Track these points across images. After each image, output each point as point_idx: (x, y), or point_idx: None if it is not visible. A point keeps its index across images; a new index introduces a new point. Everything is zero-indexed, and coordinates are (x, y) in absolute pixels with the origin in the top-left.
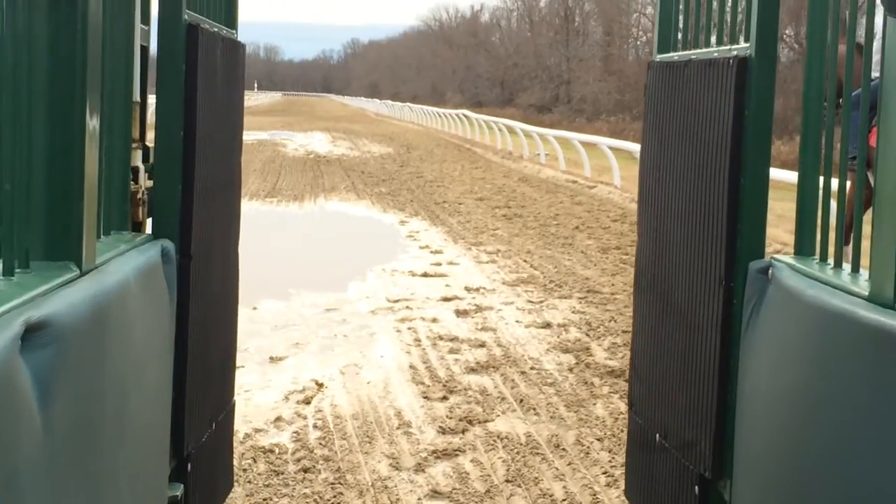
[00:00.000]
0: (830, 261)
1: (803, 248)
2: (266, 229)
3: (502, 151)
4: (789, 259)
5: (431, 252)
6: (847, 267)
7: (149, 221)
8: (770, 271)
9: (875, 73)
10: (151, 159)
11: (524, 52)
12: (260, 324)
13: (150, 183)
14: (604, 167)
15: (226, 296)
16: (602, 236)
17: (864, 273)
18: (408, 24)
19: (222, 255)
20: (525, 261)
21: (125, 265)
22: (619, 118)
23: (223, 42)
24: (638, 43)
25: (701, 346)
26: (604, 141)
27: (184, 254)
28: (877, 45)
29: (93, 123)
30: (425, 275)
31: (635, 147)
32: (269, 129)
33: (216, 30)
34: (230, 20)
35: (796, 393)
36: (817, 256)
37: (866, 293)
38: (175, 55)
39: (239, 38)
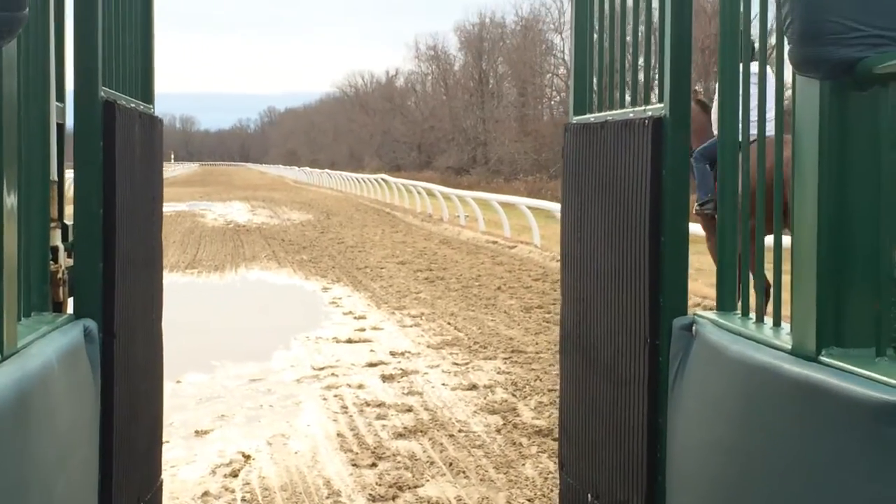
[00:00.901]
0: (752, 315)
1: (725, 303)
2: (187, 301)
3: (422, 214)
4: (712, 315)
5: (355, 318)
6: (768, 321)
7: (70, 300)
8: (694, 327)
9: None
10: (70, 237)
11: (440, 115)
12: (184, 397)
13: (69, 262)
14: (523, 227)
15: (151, 372)
16: (524, 296)
17: (786, 326)
18: (324, 91)
19: (145, 331)
20: (449, 323)
21: (47, 347)
22: (536, 177)
23: (140, 117)
24: (552, 103)
25: (629, 404)
26: (522, 201)
27: (107, 332)
28: (753, 101)
29: (10, 202)
30: (349, 341)
31: (553, 206)
32: (187, 199)
33: (133, 105)
34: (147, 95)
35: (726, 447)
36: (739, 311)
37: (789, 347)
38: (92, 132)
39: (155, 113)
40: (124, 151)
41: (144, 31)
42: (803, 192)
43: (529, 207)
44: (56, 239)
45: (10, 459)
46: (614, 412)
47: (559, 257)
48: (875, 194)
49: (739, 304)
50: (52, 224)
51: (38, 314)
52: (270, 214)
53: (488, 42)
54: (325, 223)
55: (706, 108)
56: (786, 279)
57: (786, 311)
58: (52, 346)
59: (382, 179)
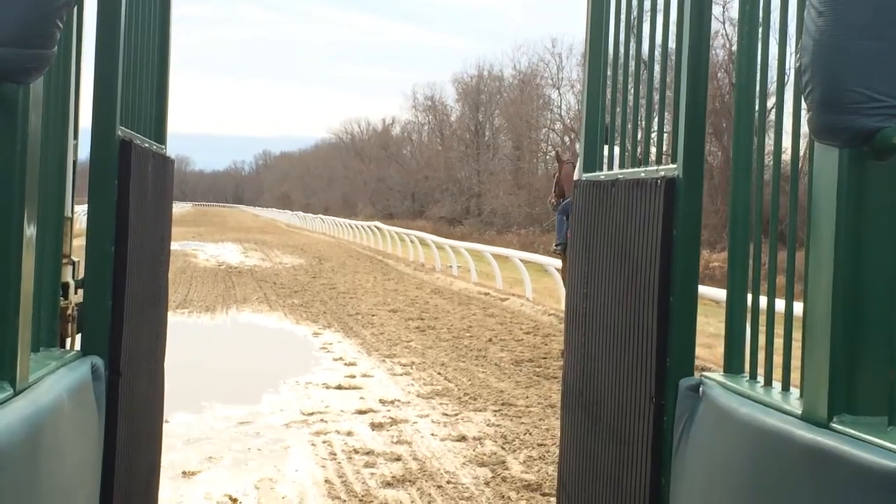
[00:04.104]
0: (760, 378)
1: (733, 365)
2: (177, 341)
3: (414, 263)
4: (719, 376)
5: (345, 364)
6: (777, 385)
7: (77, 336)
8: (701, 389)
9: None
10: (79, 274)
11: (435, 164)
12: (172, 437)
13: (78, 298)
14: (515, 279)
15: (152, 412)
16: (515, 348)
17: (795, 391)
18: (319, 137)
19: (149, 370)
20: (439, 373)
21: (58, 384)
22: (529, 231)
23: (154, 157)
24: (547, 157)
25: (631, 464)
26: (515, 254)
27: (113, 370)
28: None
29: (28, 237)
30: (339, 387)
31: (546, 260)
32: (179, 239)
33: (147, 145)
34: (160, 136)
35: None
36: (747, 374)
37: (799, 411)
38: (108, 170)
39: (168, 153)
40: (138, 190)
41: (160, 72)
42: (818, 257)
43: (522, 260)
44: (67, 275)
45: (20, 494)
46: (616, 471)
47: (562, 312)
48: (891, 262)
49: (747, 367)
50: (64, 260)
51: (47, 350)
52: (262, 257)
53: (485, 94)
54: (318, 268)
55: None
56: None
57: (795, 375)
58: (62, 382)
59: (376, 227)
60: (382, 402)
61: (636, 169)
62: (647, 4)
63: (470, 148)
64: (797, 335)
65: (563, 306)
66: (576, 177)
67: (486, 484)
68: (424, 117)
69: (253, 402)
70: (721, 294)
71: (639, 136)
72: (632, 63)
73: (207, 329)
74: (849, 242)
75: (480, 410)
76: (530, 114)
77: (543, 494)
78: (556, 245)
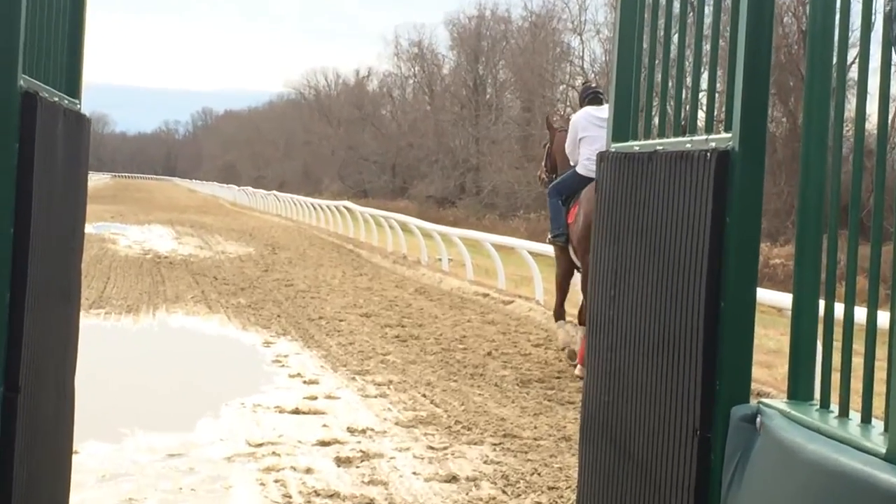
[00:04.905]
0: (834, 407)
1: (799, 389)
2: (91, 349)
3: (394, 255)
4: (782, 404)
5: (304, 382)
6: (856, 416)
7: None
8: (758, 419)
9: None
10: None
11: (422, 129)
12: (83, 472)
13: None
14: (522, 277)
15: (58, 441)
16: (521, 365)
17: (878, 424)
18: (274, 92)
19: (56, 387)
20: (424, 395)
21: None
22: (540, 215)
23: (66, 115)
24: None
25: None
26: (522, 244)
27: (9, 386)
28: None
29: None
30: (297, 411)
31: None
32: (95, 220)
33: (56, 99)
34: (72, 88)
35: None
36: (817, 401)
37: (883, 450)
38: (6, 129)
39: (83, 110)
40: (44, 156)
41: (75, 9)
42: None
43: (531, 253)
44: None
45: None
46: None
47: (582, 318)
48: None
49: (817, 393)
50: None
51: None
52: (200, 244)
53: (487, 41)
54: (270, 259)
55: (564, 131)
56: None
57: (878, 403)
58: None
59: (345, 207)
60: (351, 430)
61: (680, 138)
62: None
63: (467, 109)
64: (881, 353)
65: (578, 311)
66: (601, 147)
67: None
68: (409, 69)
69: (186, 430)
70: (785, 299)
71: (684, 96)
72: (676, 4)
73: (129, 335)
74: None
75: (476, 443)
76: (544, 66)
77: None
78: (553, 236)
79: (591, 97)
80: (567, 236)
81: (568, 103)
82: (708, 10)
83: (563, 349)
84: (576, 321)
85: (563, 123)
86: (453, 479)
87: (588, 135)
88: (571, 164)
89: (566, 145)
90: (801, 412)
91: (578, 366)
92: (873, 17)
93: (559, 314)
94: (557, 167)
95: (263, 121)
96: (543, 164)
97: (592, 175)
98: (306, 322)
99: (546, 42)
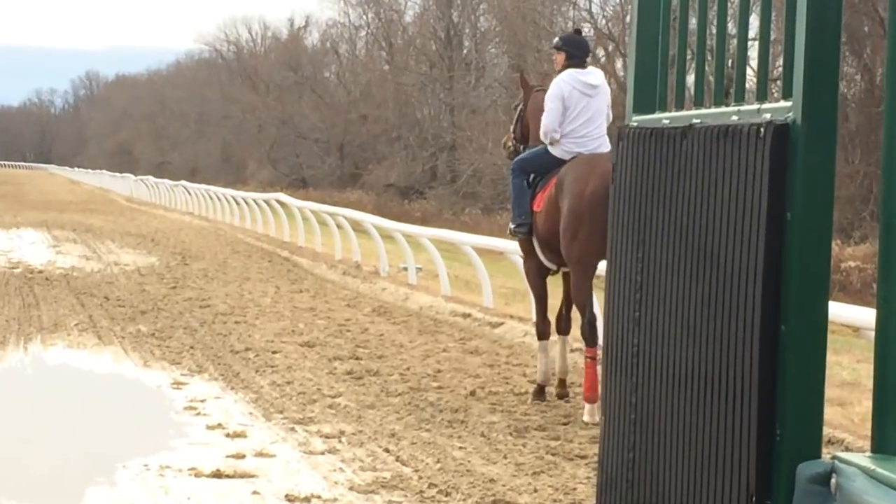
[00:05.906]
0: None
1: (888, 439)
2: None
3: (344, 263)
4: (864, 459)
5: (228, 436)
6: None
7: None
8: (833, 480)
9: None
10: None
11: (378, 97)
12: None
13: None
14: (515, 290)
15: None
16: (515, 408)
17: None
18: (182, 49)
19: None
20: (387, 450)
21: None
22: None
23: None
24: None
25: None
26: (514, 248)
27: None
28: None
29: None
30: (218, 474)
31: None
32: None
33: None
34: None
35: None
36: None
37: None
38: None
39: None
40: None
41: None
42: None
43: None
44: None
45: None
46: None
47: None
48: None
49: None
50: None
51: None
52: (86, 253)
53: None
54: (180, 272)
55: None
56: None
57: None
58: None
59: (278, 202)
60: (291, 499)
61: (723, 109)
62: None
63: (437, 68)
64: None
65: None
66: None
67: None
68: (360, 16)
69: (71, 502)
70: (864, 316)
71: (727, 56)
72: None
73: None
74: None
75: None
76: (538, 10)
77: None
78: (515, 226)
79: (571, 53)
80: (530, 226)
81: None
82: None
83: (540, 386)
84: (568, 338)
85: (542, 81)
86: None
87: (576, 107)
88: (548, 142)
89: (546, 119)
90: (891, 470)
91: (587, 406)
92: None
93: (543, 331)
94: (530, 136)
95: (168, 88)
96: (512, 130)
97: (568, 157)
98: (229, 355)
99: None
